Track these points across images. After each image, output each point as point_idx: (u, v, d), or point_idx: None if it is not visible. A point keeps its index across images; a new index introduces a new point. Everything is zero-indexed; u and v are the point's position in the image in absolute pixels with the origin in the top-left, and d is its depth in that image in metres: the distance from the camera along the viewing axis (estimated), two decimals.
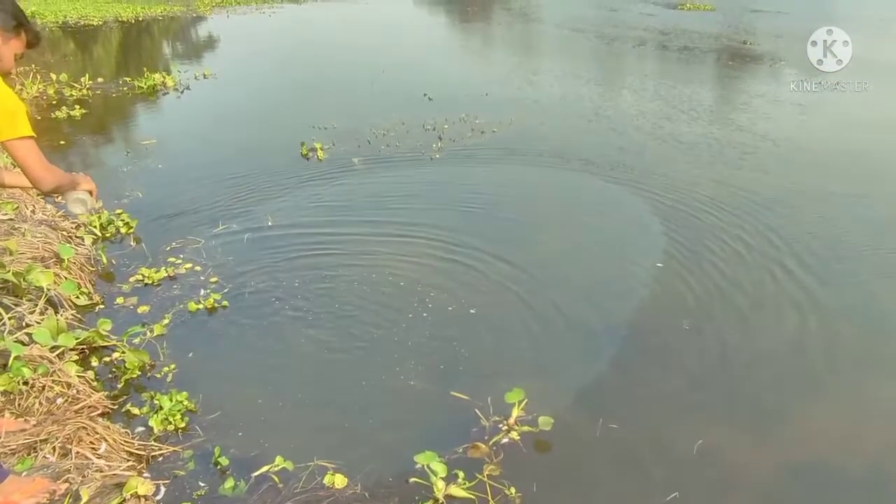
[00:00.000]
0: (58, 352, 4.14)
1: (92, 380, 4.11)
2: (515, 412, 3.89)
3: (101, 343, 4.45)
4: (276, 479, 3.47)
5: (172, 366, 4.34)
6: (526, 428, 3.85)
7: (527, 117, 10.17)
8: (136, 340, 4.52)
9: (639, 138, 9.24)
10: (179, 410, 3.88)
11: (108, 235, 6.12)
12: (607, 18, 22.98)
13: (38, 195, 6.43)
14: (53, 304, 4.77)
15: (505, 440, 3.80)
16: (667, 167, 8.08)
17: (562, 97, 11.54)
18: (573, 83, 12.83)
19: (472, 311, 5.08)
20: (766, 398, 4.26)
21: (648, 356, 4.65)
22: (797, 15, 23.94)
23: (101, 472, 3.27)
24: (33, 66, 12.74)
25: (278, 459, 3.52)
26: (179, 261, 5.64)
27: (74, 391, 3.85)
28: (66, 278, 5.01)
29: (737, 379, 4.43)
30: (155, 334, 4.62)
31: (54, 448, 3.31)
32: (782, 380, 4.42)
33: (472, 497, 3.40)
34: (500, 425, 3.90)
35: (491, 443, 3.77)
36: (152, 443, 3.68)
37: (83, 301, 4.97)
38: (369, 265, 5.74)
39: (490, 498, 3.41)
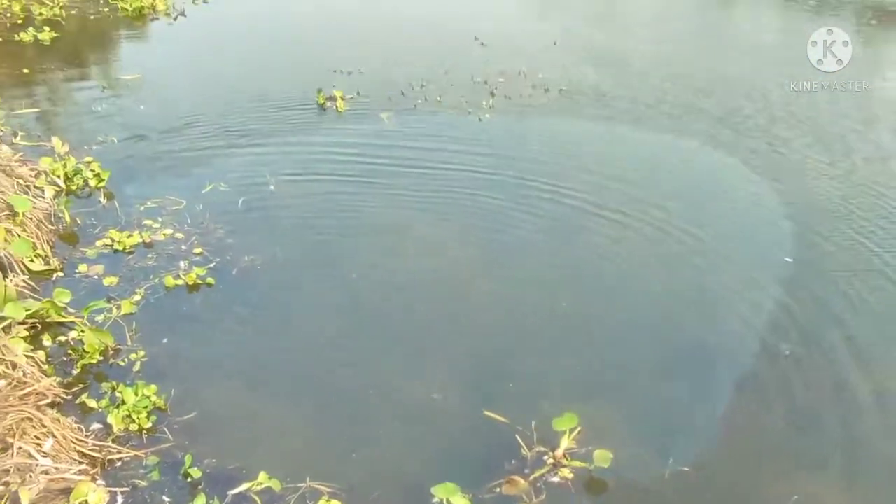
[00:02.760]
0: (3, 324, 4.24)
1: (42, 362, 4.21)
2: (565, 442, 3.89)
3: (56, 318, 4.56)
4: (257, 499, 3.52)
5: (141, 352, 4.42)
6: (577, 463, 3.85)
7: (606, 75, 10.07)
8: (100, 318, 4.61)
9: (769, 111, 9.10)
10: (146, 407, 3.95)
11: (73, 188, 6.25)
12: None
13: None
14: (2, 267, 4.88)
15: (550, 476, 3.80)
16: (805, 147, 7.97)
17: (656, 52, 11.38)
18: (672, 34, 12.65)
19: (515, 314, 5.09)
20: (889, 450, 4.19)
21: (738, 383, 4.61)
22: None
23: (47, 473, 3.35)
24: None
25: (262, 476, 3.58)
26: (157, 224, 5.74)
27: (20, 374, 3.95)
28: (19, 236, 5.13)
29: (851, 423, 4.35)
30: (122, 312, 4.70)
31: None
32: None
33: None
34: (545, 457, 3.90)
35: (532, 478, 3.77)
36: (110, 444, 3.76)
37: (38, 266, 5.08)
38: (392, 245, 5.80)
39: None
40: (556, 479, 3.78)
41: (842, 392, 4.57)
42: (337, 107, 8.32)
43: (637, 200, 6.73)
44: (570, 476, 3.79)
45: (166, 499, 3.51)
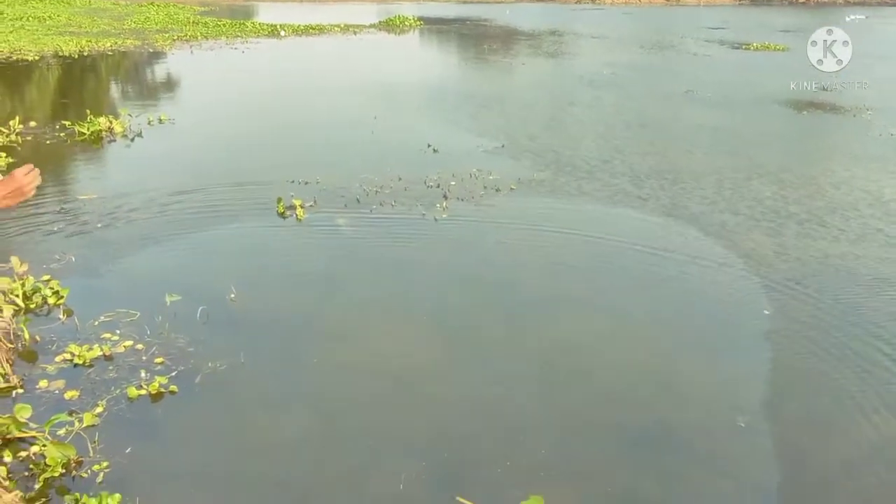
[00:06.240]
0: None
1: (4, 478, 4.17)
2: None
3: (17, 434, 4.53)
4: None
5: (105, 463, 4.41)
6: None
7: (553, 175, 10.44)
8: (61, 432, 4.61)
9: (701, 207, 9.45)
10: None
11: (32, 306, 6.27)
12: (654, 62, 23.70)
13: None
14: None
15: None
16: (756, 241, 8.26)
17: (598, 152, 11.85)
18: (611, 136, 13.20)
19: (480, 404, 5.18)
20: None
21: (695, 458, 4.72)
22: (888, 57, 24.65)
23: None
24: None
25: None
26: (117, 337, 5.77)
27: None
28: None
29: (811, 491, 4.48)
30: (84, 425, 4.69)
31: None
32: (872, 494, 4.45)
33: None
34: None
35: None
36: None
37: None
38: (356, 345, 5.91)
39: None
40: None
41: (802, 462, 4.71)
42: (297, 215, 8.50)
43: (593, 284, 6.98)
44: None
45: None
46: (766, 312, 6.47)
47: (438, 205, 8.98)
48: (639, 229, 8.48)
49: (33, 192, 3.48)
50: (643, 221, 8.72)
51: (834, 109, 15.68)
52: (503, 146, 11.91)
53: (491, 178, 10.09)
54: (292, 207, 8.64)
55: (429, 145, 11.63)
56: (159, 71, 20.18)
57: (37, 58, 20.11)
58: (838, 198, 9.74)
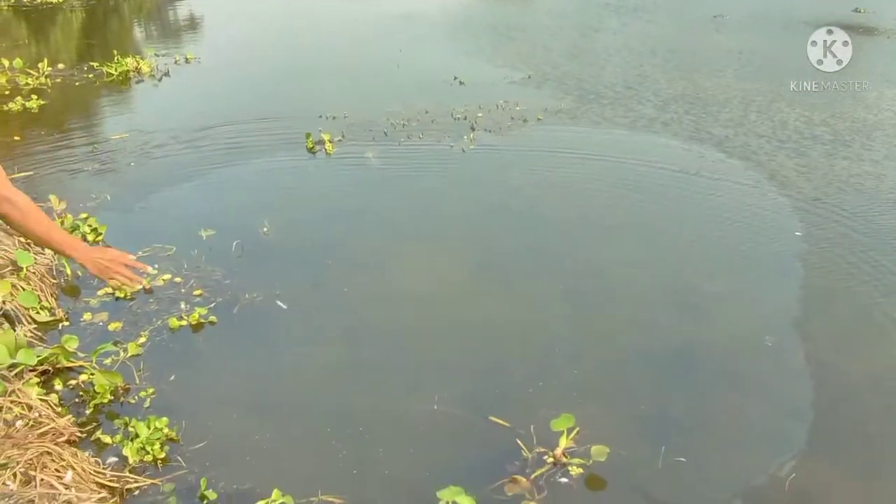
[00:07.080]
0: (16, 371, 4.40)
1: (56, 404, 4.36)
2: (563, 442, 4.05)
3: (65, 364, 4.71)
4: None
5: (150, 390, 4.59)
6: (576, 460, 4.01)
7: (580, 103, 10.40)
8: (108, 361, 4.78)
9: (726, 130, 9.40)
10: (158, 439, 4.10)
11: None
12: None
13: None
14: (10, 319, 5.05)
15: (550, 474, 3.95)
16: (781, 163, 8.24)
17: (624, 79, 11.75)
18: (638, 62, 13.03)
19: (510, 328, 5.29)
20: (879, 429, 4.38)
21: (722, 377, 4.83)
22: None
23: (70, 503, 3.49)
24: None
25: (275, 493, 3.72)
26: (155, 271, 5.90)
27: (36, 415, 4.10)
28: (23, 289, 5.30)
29: (839, 406, 4.54)
30: (129, 354, 4.87)
31: (15, 474, 3.55)
32: None
33: None
34: (545, 457, 4.06)
35: (532, 476, 3.92)
36: (127, 474, 3.91)
37: (44, 317, 5.25)
38: (388, 272, 6.04)
39: None
40: (556, 476, 3.94)
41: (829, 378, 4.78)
42: (325, 150, 8.57)
43: (619, 209, 7.06)
44: (570, 471, 3.97)
45: None
46: (798, 234, 6.50)
47: (466, 136, 9.00)
48: (666, 154, 8.48)
49: (118, 285, 3.99)
50: (671, 146, 8.72)
51: (867, 31, 15.33)
52: (529, 77, 11.83)
53: (518, 108, 10.07)
54: (321, 142, 8.70)
55: (455, 77, 11.58)
56: (183, 10, 20.10)
57: (60, 1, 20.09)
58: (863, 118, 9.64)
